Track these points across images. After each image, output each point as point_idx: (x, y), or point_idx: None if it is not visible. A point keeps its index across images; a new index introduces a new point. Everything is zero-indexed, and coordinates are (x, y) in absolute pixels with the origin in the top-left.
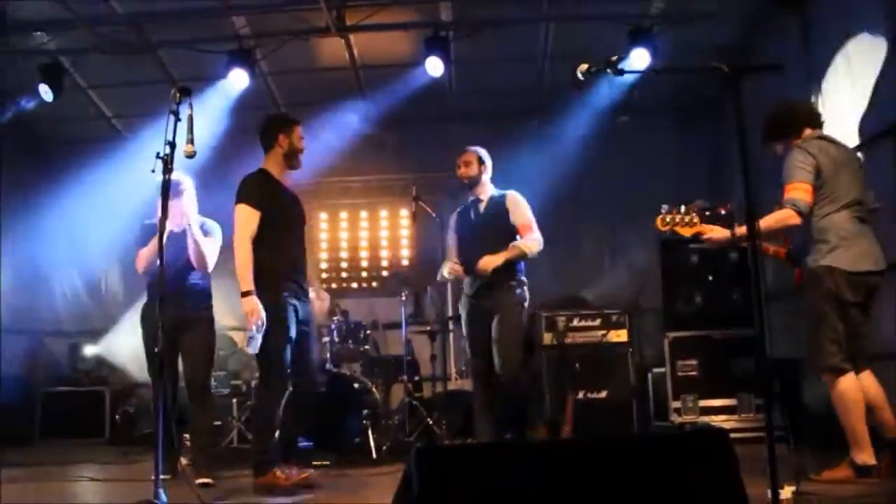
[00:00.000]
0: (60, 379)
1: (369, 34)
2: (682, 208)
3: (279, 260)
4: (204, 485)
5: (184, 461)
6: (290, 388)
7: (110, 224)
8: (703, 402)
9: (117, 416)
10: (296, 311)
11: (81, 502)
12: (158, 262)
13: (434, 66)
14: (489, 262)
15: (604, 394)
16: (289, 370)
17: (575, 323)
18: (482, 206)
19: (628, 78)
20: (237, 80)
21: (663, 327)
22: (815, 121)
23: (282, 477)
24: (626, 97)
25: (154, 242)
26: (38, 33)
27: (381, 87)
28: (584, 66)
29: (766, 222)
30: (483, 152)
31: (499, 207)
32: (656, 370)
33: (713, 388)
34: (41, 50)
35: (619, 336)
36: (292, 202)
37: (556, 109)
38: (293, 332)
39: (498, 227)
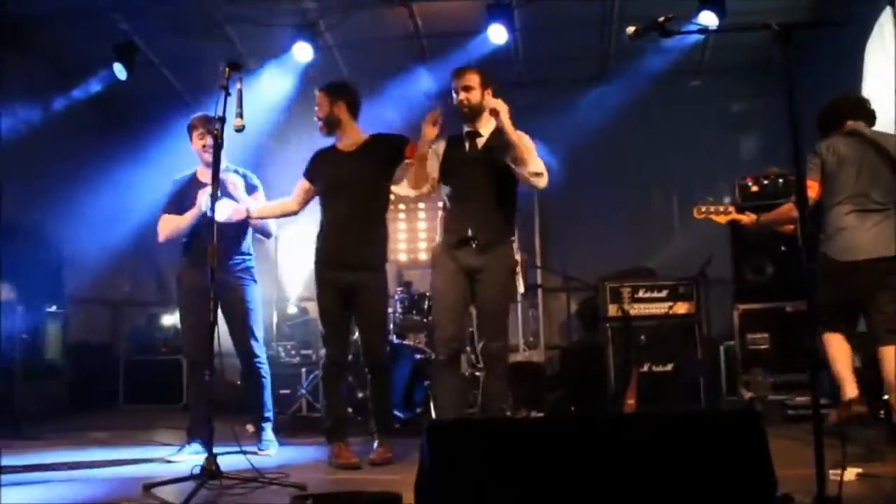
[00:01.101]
0: (141, 348)
1: (433, 3)
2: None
3: (324, 232)
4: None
5: (250, 429)
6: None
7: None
8: (775, 377)
9: None
10: (338, 280)
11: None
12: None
13: (496, 34)
14: (503, 108)
15: (670, 367)
16: (330, 341)
17: (640, 294)
18: (481, 141)
19: (697, 41)
20: (301, 53)
21: (733, 299)
22: (857, 113)
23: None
24: (697, 60)
25: (187, 217)
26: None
27: (446, 56)
28: (632, 29)
29: (773, 214)
30: (485, 74)
31: (501, 145)
32: (728, 343)
33: (785, 362)
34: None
35: (687, 307)
36: (349, 171)
37: (624, 74)
38: (326, 306)
39: (497, 171)
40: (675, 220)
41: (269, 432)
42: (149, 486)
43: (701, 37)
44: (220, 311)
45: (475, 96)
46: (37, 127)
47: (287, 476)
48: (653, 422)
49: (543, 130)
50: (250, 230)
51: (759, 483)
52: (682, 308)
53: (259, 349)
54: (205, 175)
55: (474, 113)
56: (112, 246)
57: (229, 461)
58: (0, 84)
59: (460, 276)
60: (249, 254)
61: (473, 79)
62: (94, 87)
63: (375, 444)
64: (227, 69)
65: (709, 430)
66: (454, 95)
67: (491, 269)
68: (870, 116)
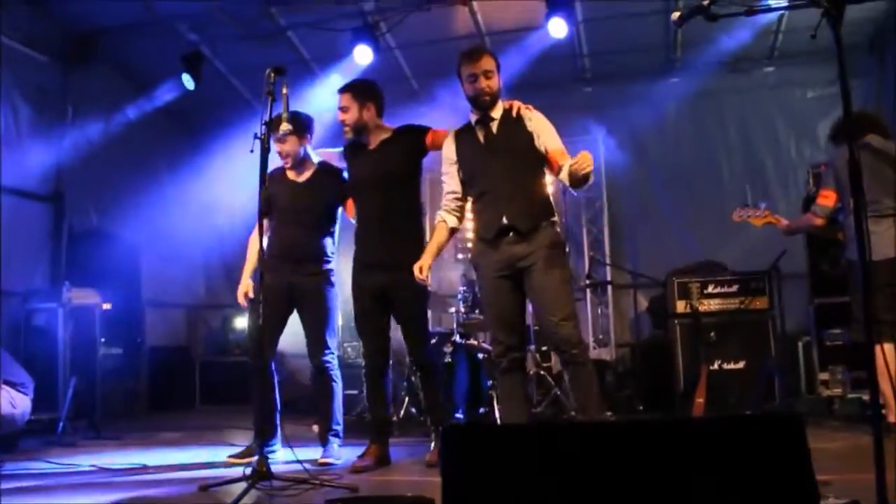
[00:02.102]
0: (216, 349)
1: (494, 0)
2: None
3: (356, 232)
4: (326, 464)
5: (315, 429)
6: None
7: (253, 200)
8: (855, 374)
9: None
10: (370, 282)
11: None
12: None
13: (557, 28)
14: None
15: (741, 364)
16: (365, 343)
17: (710, 289)
18: (495, 126)
19: (769, 24)
20: (361, 55)
21: (809, 293)
22: (873, 128)
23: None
24: (768, 46)
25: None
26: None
27: (510, 53)
28: (676, 14)
29: (795, 223)
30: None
31: (517, 126)
32: (807, 339)
33: (865, 358)
34: (183, 40)
35: (759, 302)
36: (372, 169)
37: (693, 64)
38: (361, 307)
39: (521, 153)
40: None
41: (334, 447)
42: (205, 487)
43: (772, 21)
44: (294, 314)
45: (496, 82)
46: (108, 137)
47: (340, 477)
48: (685, 427)
49: (610, 125)
50: (336, 231)
51: (800, 492)
52: (754, 303)
53: (331, 355)
54: (292, 172)
55: (494, 101)
56: (187, 250)
57: (288, 462)
58: (72, 96)
59: (504, 281)
60: (331, 258)
61: (492, 63)
62: (163, 97)
63: (432, 445)
64: (272, 74)
65: (744, 436)
66: (468, 84)
67: (537, 251)
68: (884, 132)
